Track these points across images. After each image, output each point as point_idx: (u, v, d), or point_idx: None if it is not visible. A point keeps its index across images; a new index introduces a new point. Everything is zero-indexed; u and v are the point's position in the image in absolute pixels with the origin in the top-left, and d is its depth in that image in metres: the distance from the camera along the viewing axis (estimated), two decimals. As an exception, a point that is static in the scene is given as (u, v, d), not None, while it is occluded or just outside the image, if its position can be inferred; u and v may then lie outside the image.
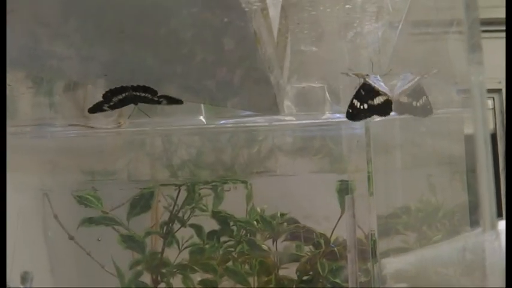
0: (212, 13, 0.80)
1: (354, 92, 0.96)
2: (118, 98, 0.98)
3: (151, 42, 0.91)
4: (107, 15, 0.83)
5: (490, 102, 2.21)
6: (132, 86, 0.97)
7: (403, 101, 0.97)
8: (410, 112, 0.99)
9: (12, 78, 1.11)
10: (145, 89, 0.98)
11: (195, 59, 0.94)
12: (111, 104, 0.98)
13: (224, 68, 0.98)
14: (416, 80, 0.97)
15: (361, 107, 0.96)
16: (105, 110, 1.00)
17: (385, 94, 0.96)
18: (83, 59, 0.97)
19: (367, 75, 0.97)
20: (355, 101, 0.96)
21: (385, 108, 0.97)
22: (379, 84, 0.97)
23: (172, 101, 1.00)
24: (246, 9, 0.76)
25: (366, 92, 0.96)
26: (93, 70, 1.00)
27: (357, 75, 0.97)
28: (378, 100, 0.96)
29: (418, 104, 0.98)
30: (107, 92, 0.98)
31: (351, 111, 0.96)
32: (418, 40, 1.12)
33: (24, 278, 1.34)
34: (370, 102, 0.96)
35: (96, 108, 1.00)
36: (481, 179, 0.74)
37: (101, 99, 0.99)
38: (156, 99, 0.99)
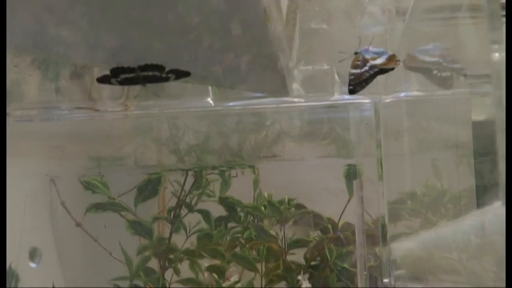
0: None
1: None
2: (125, 76, 0.97)
3: (158, 28, 0.90)
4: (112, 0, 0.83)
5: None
6: (139, 66, 0.96)
7: (424, 66, 0.98)
8: (427, 77, 1.00)
9: (19, 60, 1.11)
10: (153, 67, 0.97)
11: (202, 44, 0.94)
12: (119, 79, 0.98)
13: (232, 53, 0.97)
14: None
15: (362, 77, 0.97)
16: (112, 84, 0.99)
17: (382, 54, 0.97)
18: (89, 45, 0.96)
19: (356, 53, 0.97)
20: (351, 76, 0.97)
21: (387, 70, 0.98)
22: (371, 53, 0.97)
23: (180, 74, 0.99)
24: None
25: (361, 65, 0.97)
26: (100, 56, 1.00)
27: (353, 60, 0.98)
28: (378, 61, 0.97)
29: (440, 75, 0.98)
30: (113, 68, 0.97)
31: (352, 87, 0.97)
32: (428, 24, 1.11)
33: (33, 254, 1.34)
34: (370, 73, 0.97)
35: (104, 79, 0.99)
36: (499, 158, 0.74)
37: (109, 73, 0.99)
38: (164, 76, 0.98)
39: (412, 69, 1.02)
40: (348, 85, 0.99)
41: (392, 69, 0.98)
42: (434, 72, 0.99)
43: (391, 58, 0.97)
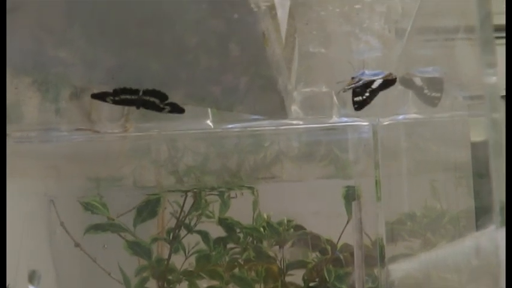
0: (219, 16, 0.79)
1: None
2: (126, 96, 0.97)
3: (156, 48, 0.91)
4: (110, 20, 0.83)
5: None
6: (144, 90, 0.97)
7: (417, 83, 0.99)
8: (417, 93, 1.01)
9: (18, 82, 1.11)
10: (156, 93, 0.97)
11: (200, 65, 0.94)
12: (116, 99, 0.98)
13: (230, 74, 0.98)
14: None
15: (363, 97, 0.98)
16: (107, 101, 0.99)
17: (378, 75, 0.98)
18: (87, 65, 0.97)
19: (353, 77, 0.99)
20: (356, 99, 0.98)
21: (387, 84, 0.99)
22: (368, 75, 0.98)
23: (176, 108, 1.00)
24: (255, 10, 0.76)
25: (361, 87, 0.98)
26: (98, 77, 1.00)
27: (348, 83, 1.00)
28: (376, 84, 0.98)
29: (429, 94, 1.00)
30: (116, 89, 0.97)
31: (356, 106, 0.98)
32: (425, 45, 1.12)
33: (33, 276, 1.34)
34: (369, 89, 0.98)
35: (100, 95, 0.99)
36: (493, 180, 0.74)
37: (109, 90, 0.98)
38: (161, 106, 0.98)
39: (407, 84, 1.03)
40: (352, 104, 1.00)
41: (393, 83, 0.99)
42: (425, 91, 1.00)
43: (388, 75, 0.98)
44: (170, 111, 0.99)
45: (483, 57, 0.76)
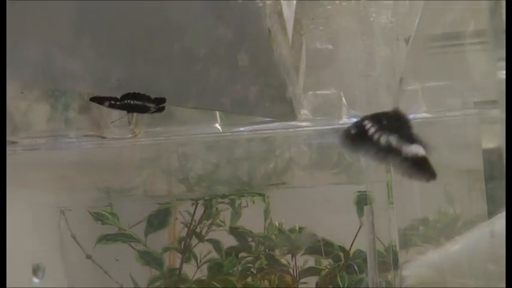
0: (224, 16, 0.79)
1: None
2: (129, 102, 0.97)
3: (165, 59, 0.91)
4: (119, 31, 0.83)
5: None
6: (155, 98, 0.97)
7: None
8: None
9: (28, 91, 1.11)
10: (158, 100, 0.97)
11: (209, 76, 0.94)
12: (118, 103, 0.98)
13: (239, 85, 0.97)
14: None
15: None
16: (103, 106, 0.99)
17: None
18: (96, 77, 0.97)
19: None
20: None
21: None
22: None
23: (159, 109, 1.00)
24: (260, 5, 0.75)
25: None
26: (107, 88, 1.00)
27: None
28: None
29: None
30: (127, 93, 0.97)
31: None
32: (431, 53, 1.11)
33: (36, 269, 1.34)
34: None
35: (99, 99, 0.99)
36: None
37: (115, 96, 0.98)
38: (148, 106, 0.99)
39: None
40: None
41: None
42: None
43: None
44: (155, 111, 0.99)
45: (494, 51, 0.75)
